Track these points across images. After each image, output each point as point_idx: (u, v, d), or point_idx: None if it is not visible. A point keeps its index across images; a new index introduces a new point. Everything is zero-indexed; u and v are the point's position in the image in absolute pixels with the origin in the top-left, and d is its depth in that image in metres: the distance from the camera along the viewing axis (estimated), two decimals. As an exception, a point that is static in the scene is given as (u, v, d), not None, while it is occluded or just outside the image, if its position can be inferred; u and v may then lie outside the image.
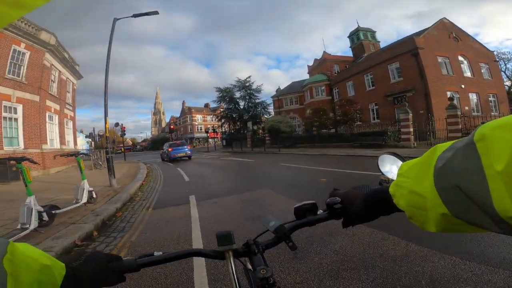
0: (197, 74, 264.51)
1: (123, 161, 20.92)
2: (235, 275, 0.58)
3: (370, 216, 0.52)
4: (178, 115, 74.35)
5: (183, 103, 69.98)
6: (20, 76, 11.55)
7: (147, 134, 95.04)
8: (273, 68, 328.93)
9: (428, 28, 21.41)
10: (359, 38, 31.69)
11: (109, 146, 7.86)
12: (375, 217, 0.52)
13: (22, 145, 11.33)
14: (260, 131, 34.42)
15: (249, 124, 30.24)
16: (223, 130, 38.68)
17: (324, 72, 31.71)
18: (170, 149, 18.55)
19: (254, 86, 34.69)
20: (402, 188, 0.40)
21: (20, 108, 11.39)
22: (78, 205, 4.51)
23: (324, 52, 34.33)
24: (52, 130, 14.36)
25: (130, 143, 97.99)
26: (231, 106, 34.18)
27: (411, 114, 14.22)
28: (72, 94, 18.50)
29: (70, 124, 18.16)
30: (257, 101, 34.44)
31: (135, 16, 8.86)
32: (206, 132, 31.24)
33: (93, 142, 55.13)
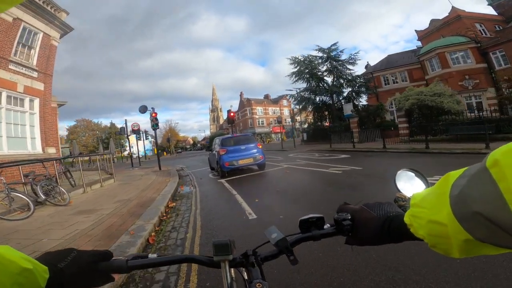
0: (253, 73, 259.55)
1: (155, 171, 12.32)
2: (228, 286, 0.56)
3: (380, 241, 0.49)
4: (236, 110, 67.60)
5: (241, 94, 62.44)
6: None
7: (206, 132, 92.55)
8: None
9: None
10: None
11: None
12: (385, 243, 0.49)
13: None
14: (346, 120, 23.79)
15: (348, 107, 19.42)
16: (303, 118, 28.37)
17: (463, 33, 21.20)
18: (222, 152, 9.07)
19: (344, 56, 23.77)
20: (419, 219, 0.39)
21: None
22: None
23: (454, 8, 22.61)
24: None
25: (191, 142, 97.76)
26: (313, 84, 23.74)
27: None
28: (47, 53, 10.45)
29: (34, 104, 9.88)
30: (354, 74, 23.25)
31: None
32: (279, 122, 21.61)
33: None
